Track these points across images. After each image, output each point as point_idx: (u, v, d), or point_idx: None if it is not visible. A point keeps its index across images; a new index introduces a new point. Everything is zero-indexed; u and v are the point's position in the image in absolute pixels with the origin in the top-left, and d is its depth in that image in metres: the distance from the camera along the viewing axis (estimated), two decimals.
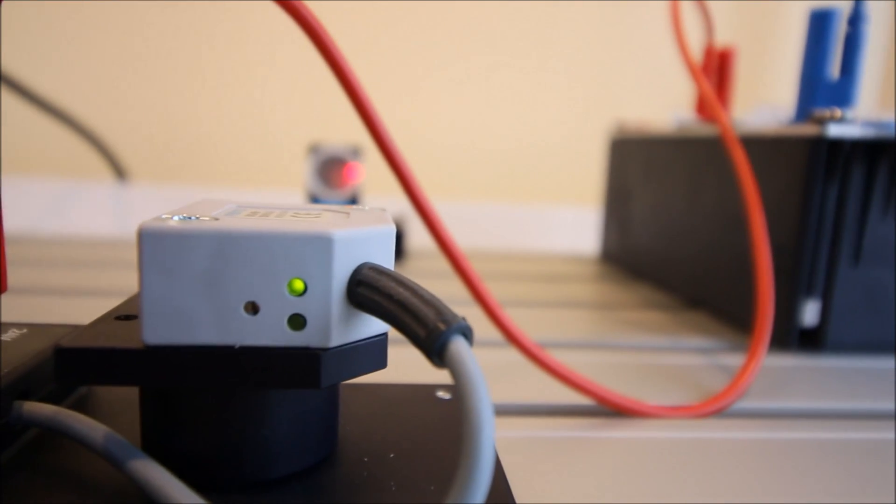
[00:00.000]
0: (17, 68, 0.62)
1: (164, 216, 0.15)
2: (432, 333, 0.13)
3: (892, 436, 0.24)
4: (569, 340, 0.34)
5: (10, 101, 0.61)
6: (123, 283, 0.41)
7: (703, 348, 0.35)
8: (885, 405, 0.27)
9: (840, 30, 0.35)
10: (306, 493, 0.15)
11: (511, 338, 0.24)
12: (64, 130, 0.65)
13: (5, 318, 0.21)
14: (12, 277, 0.41)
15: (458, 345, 0.12)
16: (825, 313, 0.34)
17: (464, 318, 0.13)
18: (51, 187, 0.65)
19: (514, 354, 0.29)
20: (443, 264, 0.50)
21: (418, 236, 0.55)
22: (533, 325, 0.37)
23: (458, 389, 0.12)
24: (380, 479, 0.16)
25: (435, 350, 0.13)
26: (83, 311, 0.34)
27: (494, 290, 0.25)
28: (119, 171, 0.68)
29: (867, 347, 0.35)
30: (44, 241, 0.55)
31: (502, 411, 0.25)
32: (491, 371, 0.29)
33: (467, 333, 0.13)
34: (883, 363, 0.33)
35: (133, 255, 0.51)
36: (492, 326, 0.25)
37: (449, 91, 0.76)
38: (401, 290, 0.14)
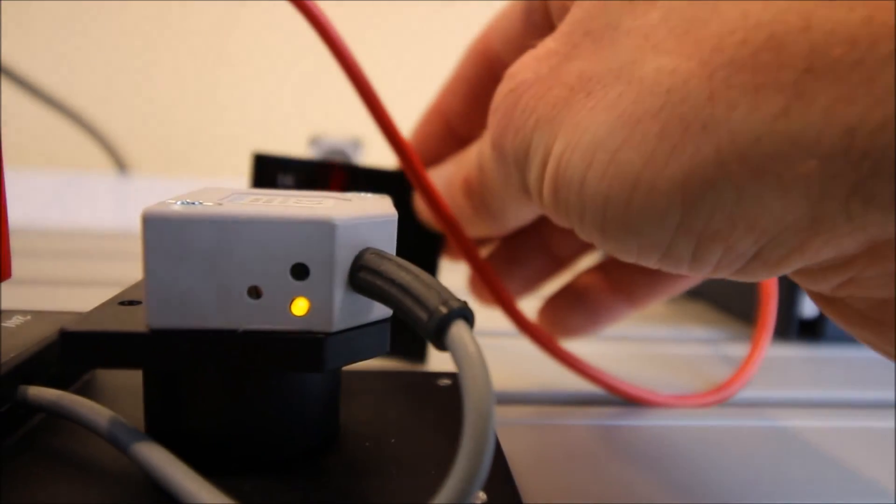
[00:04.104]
0: (17, 61, 0.62)
1: (167, 201, 0.15)
2: (434, 316, 0.13)
3: (892, 424, 0.24)
4: None
5: (11, 93, 0.61)
6: (124, 273, 0.41)
7: (704, 338, 0.35)
8: (885, 394, 0.27)
9: None
10: (308, 477, 0.16)
11: (522, 325, 0.24)
12: (64, 122, 0.65)
13: (10, 306, 0.21)
14: (14, 268, 0.41)
15: (459, 327, 0.13)
16: None
17: (466, 302, 0.13)
18: (51, 179, 0.66)
19: (524, 343, 0.29)
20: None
21: None
22: None
23: (459, 371, 0.12)
24: (381, 463, 0.16)
25: (436, 333, 0.13)
26: (85, 300, 0.34)
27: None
28: (119, 162, 0.68)
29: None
30: (44, 233, 0.55)
31: (510, 399, 0.25)
32: (501, 360, 0.29)
33: (469, 317, 0.13)
34: None
35: (133, 246, 0.51)
36: (500, 315, 0.25)
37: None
38: (403, 274, 0.14)
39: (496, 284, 0.23)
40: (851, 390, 0.28)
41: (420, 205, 0.24)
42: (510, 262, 0.25)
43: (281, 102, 0.73)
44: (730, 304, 0.39)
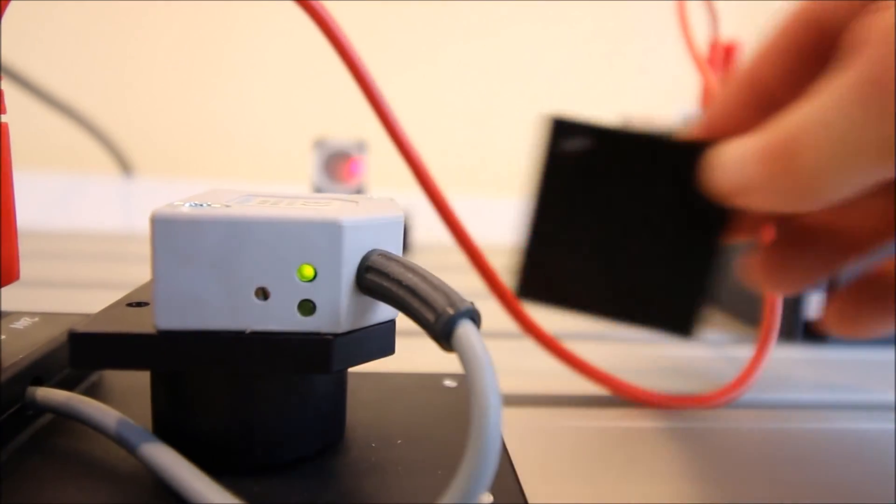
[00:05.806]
0: (22, 62, 0.62)
1: (176, 203, 0.15)
2: (441, 317, 0.13)
3: (893, 426, 0.24)
4: (579, 332, 0.34)
5: (16, 95, 0.61)
6: (129, 276, 0.42)
7: (709, 340, 0.35)
8: (889, 396, 0.27)
9: None
10: (315, 477, 0.16)
11: (527, 328, 0.24)
12: (69, 124, 0.65)
13: (16, 308, 0.21)
14: (20, 270, 0.41)
15: (466, 328, 0.13)
16: None
17: (472, 304, 0.13)
18: (56, 181, 0.66)
19: (529, 344, 0.29)
20: (449, 258, 0.50)
21: (424, 230, 0.55)
22: (545, 317, 0.37)
23: (466, 371, 0.12)
24: (387, 463, 0.16)
25: (444, 334, 0.13)
26: (91, 302, 0.34)
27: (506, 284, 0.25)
28: (124, 165, 0.68)
29: (869, 339, 0.35)
30: (50, 235, 0.55)
31: (515, 401, 0.25)
32: (508, 361, 0.29)
33: (476, 318, 0.13)
34: (884, 355, 0.33)
35: (138, 248, 0.51)
36: (508, 317, 0.25)
37: (456, 85, 0.76)
38: (410, 275, 0.14)
39: (500, 286, 0.23)
40: (856, 392, 0.28)
41: (707, 178, 0.21)
42: (794, 246, 0.22)
43: (286, 105, 0.73)
44: (735, 306, 0.39)
